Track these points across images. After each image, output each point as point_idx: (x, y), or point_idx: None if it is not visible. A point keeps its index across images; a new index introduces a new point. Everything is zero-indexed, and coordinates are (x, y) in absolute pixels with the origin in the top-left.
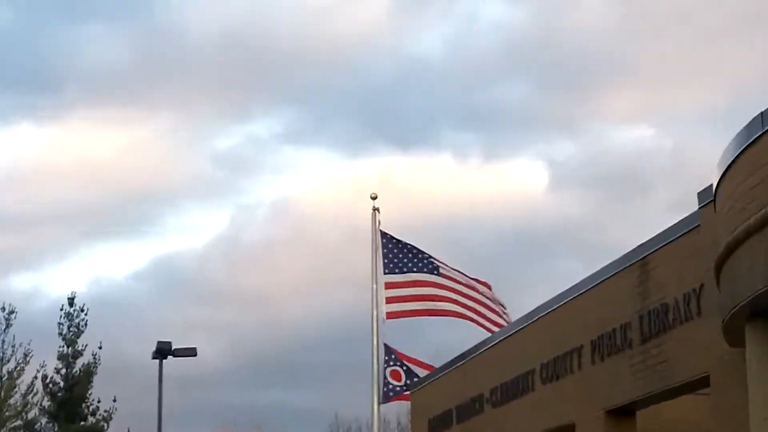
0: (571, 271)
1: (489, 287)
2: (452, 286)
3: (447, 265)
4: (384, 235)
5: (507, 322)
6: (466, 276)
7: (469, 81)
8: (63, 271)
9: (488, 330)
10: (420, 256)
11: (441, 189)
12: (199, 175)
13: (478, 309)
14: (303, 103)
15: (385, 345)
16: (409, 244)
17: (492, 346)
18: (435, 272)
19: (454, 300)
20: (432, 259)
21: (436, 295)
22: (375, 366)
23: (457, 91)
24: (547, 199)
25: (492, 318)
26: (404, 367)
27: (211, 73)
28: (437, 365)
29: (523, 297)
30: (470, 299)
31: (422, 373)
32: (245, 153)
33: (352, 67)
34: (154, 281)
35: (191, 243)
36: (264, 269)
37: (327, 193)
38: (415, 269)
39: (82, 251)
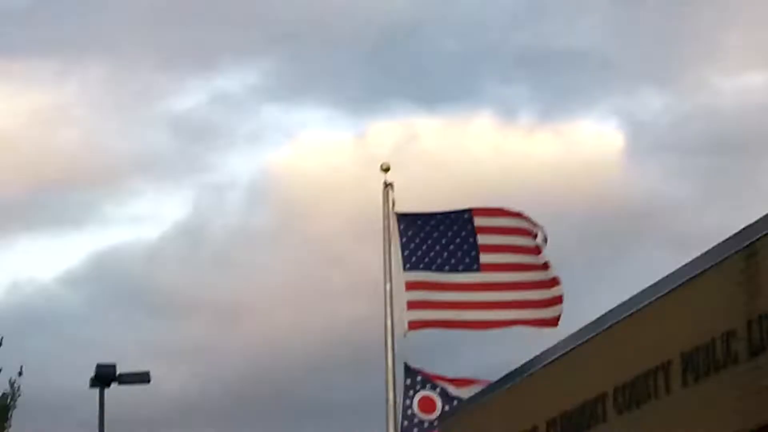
0: (659, 266)
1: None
2: (497, 281)
3: (493, 225)
4: (402, 218)
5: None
6: (521, 229)
7: (519, 14)
8: None
9: (545, 324)
10: (455, 242)
11: (480, 158)
12: (149, 146)
13: (532, 297)
14: (290, 48)
15: (407, 366)
16: (437, 214)
17: (550, 362)
18: (474, 266)
19: (499, 303)
20: (469, 228)
21: (474, 302)
22: (390, 396)
23: (502, 28)
24: (625, 171)
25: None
26: (437, 389)
27: (160, 7)
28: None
29: (594, 298)
30: (522, 287)
31: (466, 393)
32: (211, 115)
33: None
34: (93, 286)
35: (141, 236)
36: (240, 270)
37: (324, 166)
38: (447, 266)
39: None
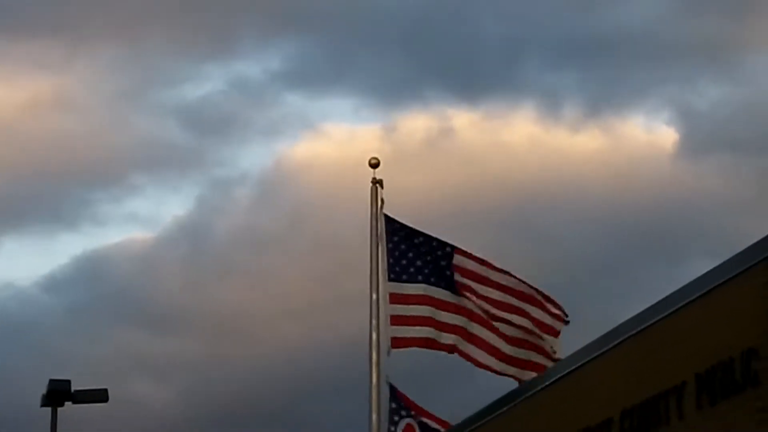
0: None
1: (546, 307)
2: (473, 309)
3: (472, 269)
4: (390, 222)
5: (550, 361)
6: (506, 284)
7: None
8: None
9: (515, 379)
10: (434, 254)
11: (518, 154)
12: (155, 138)
13: (503, 350)
14: (317, 31)
15: (391, 387)
16: (421, 234)
17: (549, 384)
18: (450, 287)
19: (470, 335)
20: (448, 260)
21: (447, 324)
22: (374, 418)
23: (547, 13)
24: (677, 169)
25: (530, 359)
26: (418, 421)
27: None
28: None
29: (628, 309)
30: (496, 332)
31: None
32: (227, 105)
33: None
34: (76, 293)
35: (137, 237)
36: (241, 277)
37: (344, 161)
38: (432, 278)
39: None
